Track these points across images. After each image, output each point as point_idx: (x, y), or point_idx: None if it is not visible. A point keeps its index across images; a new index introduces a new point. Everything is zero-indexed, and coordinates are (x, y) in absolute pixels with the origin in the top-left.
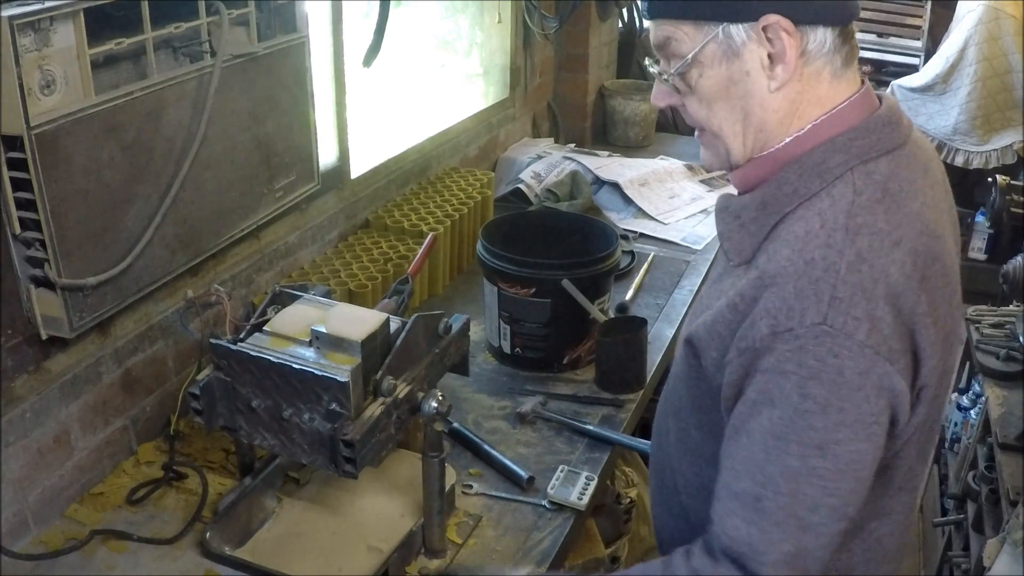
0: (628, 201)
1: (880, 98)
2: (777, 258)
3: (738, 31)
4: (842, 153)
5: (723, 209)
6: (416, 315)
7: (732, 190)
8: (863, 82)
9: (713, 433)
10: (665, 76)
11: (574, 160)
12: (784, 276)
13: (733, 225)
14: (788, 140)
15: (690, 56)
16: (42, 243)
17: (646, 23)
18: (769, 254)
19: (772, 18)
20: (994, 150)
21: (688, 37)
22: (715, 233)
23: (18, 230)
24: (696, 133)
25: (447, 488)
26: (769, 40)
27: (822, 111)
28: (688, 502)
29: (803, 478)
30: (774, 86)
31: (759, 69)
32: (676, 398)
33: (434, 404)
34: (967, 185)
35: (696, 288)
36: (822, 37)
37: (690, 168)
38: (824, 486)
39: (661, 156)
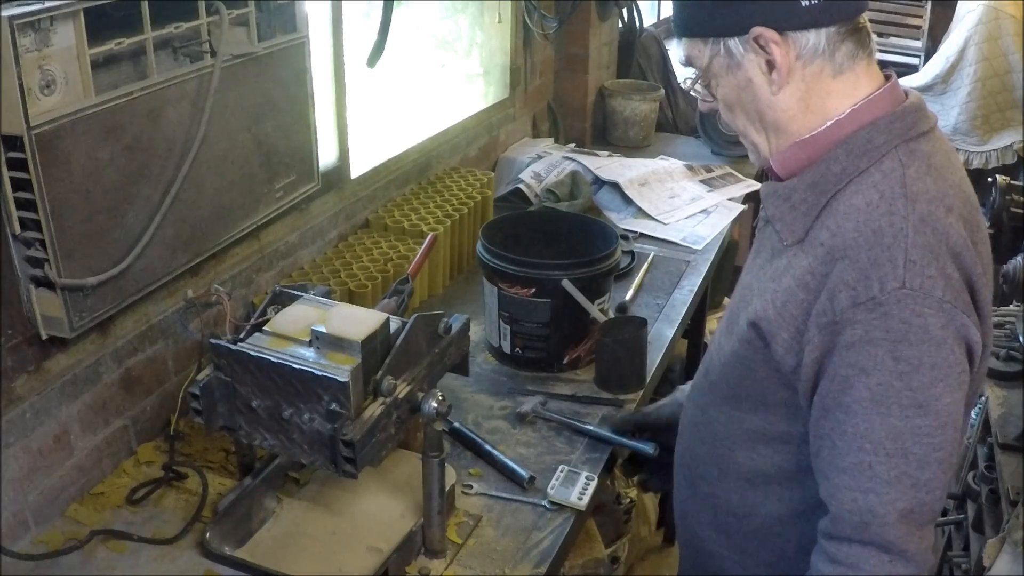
0: (628, 201)
1: (906, 92)
2: (842, 232)
3: (735, 44)
4: (885, 133)
5: (771, 194)
6: (416, 315)
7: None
8: (890, 76)
9: (775, 414)
10: (691, 85)
11: (574, 160)
12: (855, 248)
13: (784, 207)
14: (828, 124)
15: (703, 68)
16: (42, 243)
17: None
18: (831, 229)
19: (758, 30)
20: (994, 150)
21: (699, 52)
22: (715, 233)
23: (18, 230)
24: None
25: (447, 488)
26: (763, 48)
27: (843, 102)
28: (728, 491)
29: (909, 437)
30: (775, 90)
31: (760, 76)
32: (727, 385)
33: (434, 404)
34: None
35: (696, 287)
36: (814, 40)
37: (690, 168)
38: (930, 443)
39: (661, 156)
